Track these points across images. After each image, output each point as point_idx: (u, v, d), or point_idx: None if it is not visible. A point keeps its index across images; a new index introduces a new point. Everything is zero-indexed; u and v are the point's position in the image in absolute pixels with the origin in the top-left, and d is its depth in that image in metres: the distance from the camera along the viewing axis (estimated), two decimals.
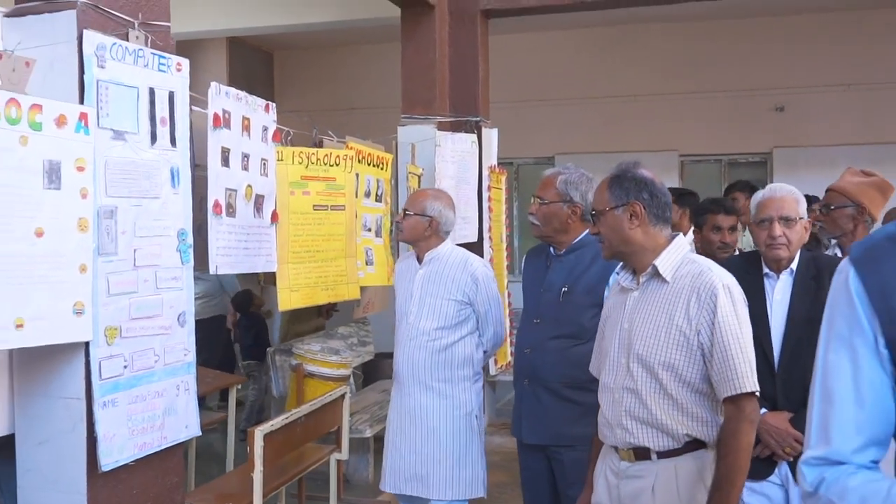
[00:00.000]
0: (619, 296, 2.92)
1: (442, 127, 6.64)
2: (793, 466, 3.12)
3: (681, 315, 2.65)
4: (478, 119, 7.10)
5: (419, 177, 6.23)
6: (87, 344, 3.19)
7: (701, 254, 3.57)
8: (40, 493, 3.28)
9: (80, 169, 3.12)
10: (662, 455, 2.68)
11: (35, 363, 3.22)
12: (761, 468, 3.19)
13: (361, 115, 9.83)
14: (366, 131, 6.27)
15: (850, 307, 1.44)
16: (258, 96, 4.29)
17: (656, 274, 2.74)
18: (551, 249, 3.77)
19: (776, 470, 3.23)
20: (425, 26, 6.88)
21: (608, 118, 10.56)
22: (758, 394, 2.66)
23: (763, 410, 3.15)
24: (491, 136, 7.24)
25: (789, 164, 10.01)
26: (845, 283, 1.45)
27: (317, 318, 7.08)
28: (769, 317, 3.25)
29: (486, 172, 7.06)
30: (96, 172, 3.20)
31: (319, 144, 5.18)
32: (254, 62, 10.99)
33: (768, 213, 3.28)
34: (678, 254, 2.76)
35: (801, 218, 3.29)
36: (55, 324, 3.03)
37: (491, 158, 7.24)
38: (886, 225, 1.49)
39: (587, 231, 3.56)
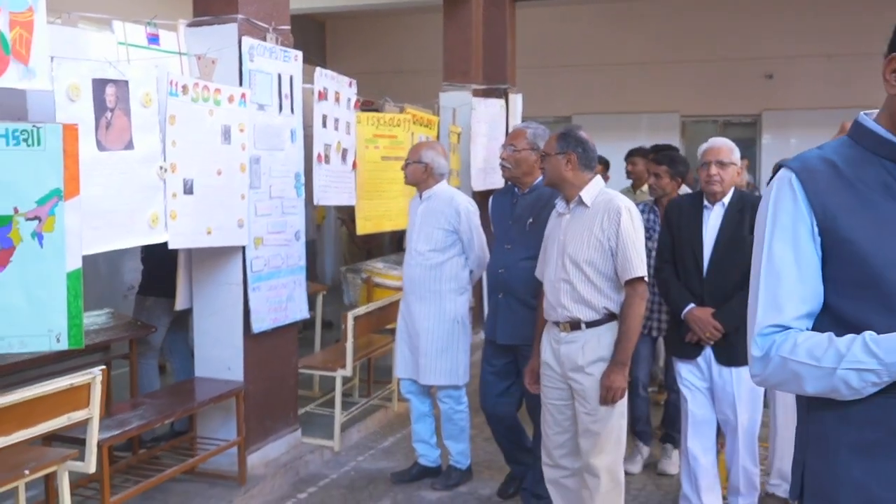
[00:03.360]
0: (556, 219, 3.74)
1: (476, 93, 8.07)
2: (715, 350, 3.92)
3: (598, 228, 3.53)
4: (506, 86, 8.53)
5: (458, 134, 7.71)
6: (244, 247, 4.73)
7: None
8: (211, 349, 4.86)
9: (241, 130, 4.63)
10: (589, 325, 3.57)
11: (208, 259, 4.77)
12: (690, 351, 4.00)
13: (405, 78, 11.10)
14: (409, 92, 7.57)
15: (793, 202, 1.68)
16: (312, 61, 5.61)
17: (581, 202, 3.60)
18: (515, 190, 4.34)
19: (701, 353, 3.98)
20: (464, 8, 8.28)
21: (618, 83, 11.73)
22: (646, 278, 3.54)
23: (691, 305, 3.94)
24: (516, 100, 8.66)
25: (777, 125, 11.16)
26: (789, 184, 1.69)
27: (358, 251, 8.62)
28: (703, 236, 3.98)
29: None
30: (249, 133, 4.71)
31: (367, 104, 6.45)
32: (308, 30, 12.22)
33: (708, 158, 3.98)
34: (596, 188, 3.63)
35: (732, 163, 3.97)
36: (227, 232, 4.57)
37: (516, 119, 8.66)
38: (816, 147, 1.77)
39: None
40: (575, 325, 3.59)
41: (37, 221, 3.27)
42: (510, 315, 4.24)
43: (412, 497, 4.75)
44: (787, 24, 11.33)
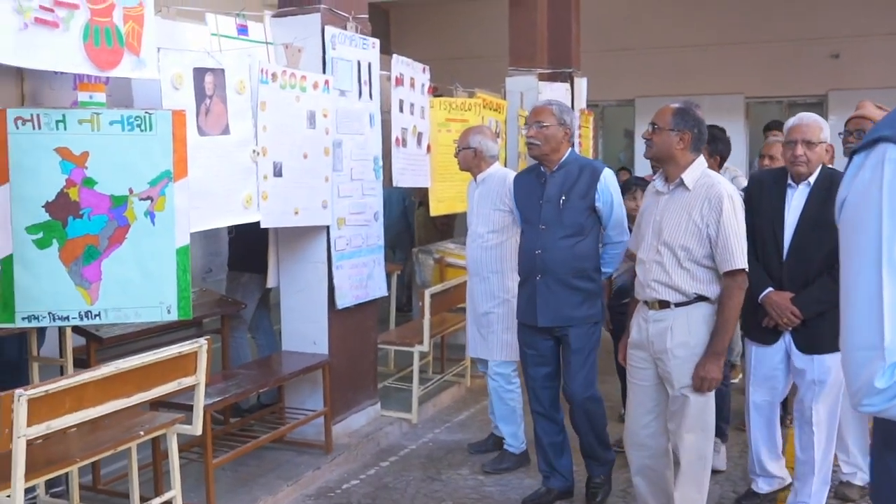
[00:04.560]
0: (653, 197, 3.64)
1: (542, 77, 8.21)
2: (794, 336, 3.79)
3: (697, 213, 3.43)
4: (570, 70, 8.67)
5: (525, 118, 7.85)
6: (328, 227, 4.97)
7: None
8: (297, 324, 5.11)
9: (325, 115, 4.86)
10: (678, 305, 3.49)
11: (294, 239, 5.01)
12: (768, 336, 3.85)
13: (468, 63, 11.21)
14: (473, 78, 7.72)
15: None
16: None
17: (682, 184, 3.48)
18: (542, 169, 4.22)
19: (780, 338, 3.84)
20: None
21: (681, 65, 11.73)
22: (746, 269, 3.43)
23: (770, 289, 3.79)
24: (581, 84, 8.79)
25: (843, 105, 10.96)
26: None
27: (436, 232, 8.83)
28: (784, 217, 3.79)
29: (576, 114, 8.60)
30: (332, 118, 4.93)
31: (431, 90, 6.60)
32: (373, 18, 12.47)
33: (794, 136, 3.76)
34: (698, 170, 3.50)
35: (821, 142, 3.74)
36: (313, 213, 4.80)
37: (581, 102, 8.79)
38: None
39: (570, 151, 4.19)
40: (664, 304, 3.52)
41: (149, 201, 3.53)
42: (550, 297, 4.12)
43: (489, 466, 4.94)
44: (853, 2, 11.20)
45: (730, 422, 4.86)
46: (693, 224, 3.44)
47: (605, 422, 4.37)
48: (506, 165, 6.46)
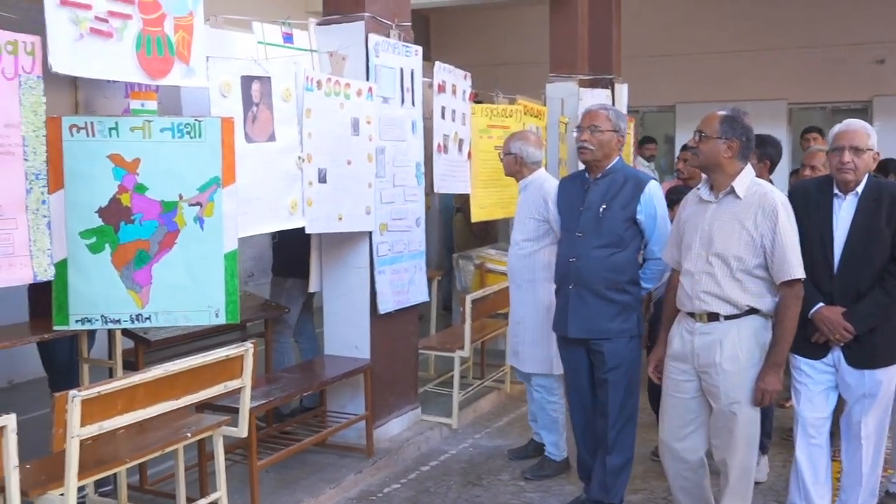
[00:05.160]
0: (698, 206, 3.54)
1: (582, 84, 8.20)
2: (845, 351, 3.61)
3: (751, 223, 3.35)
4: (611, 77, 8.65)
5: (566, 125, 7.86)
6: (370, 233, 5.01)
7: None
8: (339, 328, 5.16)
9: (368, 122, 4.90)
10: (728, 318, 3.41)
11: (337, 244, 5.06)
12: (818, 351, 3.67)
13: (508, 69, 11.19)
14: (513, 84, 7.72)
15: None
16: None
17: (732, 192, 3.41)
18: (586, 175, 4.15)
19: (829, 353, 3.66)
20: (570, 1, 8.39)
21: (723, 70, 11.63)
22: (803, 279, 3.35)
23: (820, 304, 3.60)
24: (622, 90, 8.77)
25: (889, 111, 10.89)
26: None
27: (473, 238, 8.83)
28: (833, 229, 3.63)
29: None
30: (375, 124, 4.98)
31: (470, 96, 6.65)
32: (413, 24, 12.48)
33: (841, 143, 3.60)
34: (748, 178, 3.44)
35: (868, 149, 3.59)
36: (356, 218, 4.85)
37: (621, 108, 8.77)
38: None
39: (617, 160, 4.09)
40: (713, 317, 3.44)
41: (198, 207, 3.60)
42: (582, 307, 4.04)
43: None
44: None
45: (771, 436, 4.80)
46: (746, 233, 3.37)
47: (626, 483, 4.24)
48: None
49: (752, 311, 3.42)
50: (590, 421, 4.24)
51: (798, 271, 3.35)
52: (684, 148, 5.90)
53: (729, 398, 3.43)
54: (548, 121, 7.50)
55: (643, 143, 10.78)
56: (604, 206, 4.01)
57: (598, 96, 8.25)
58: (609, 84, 8.60)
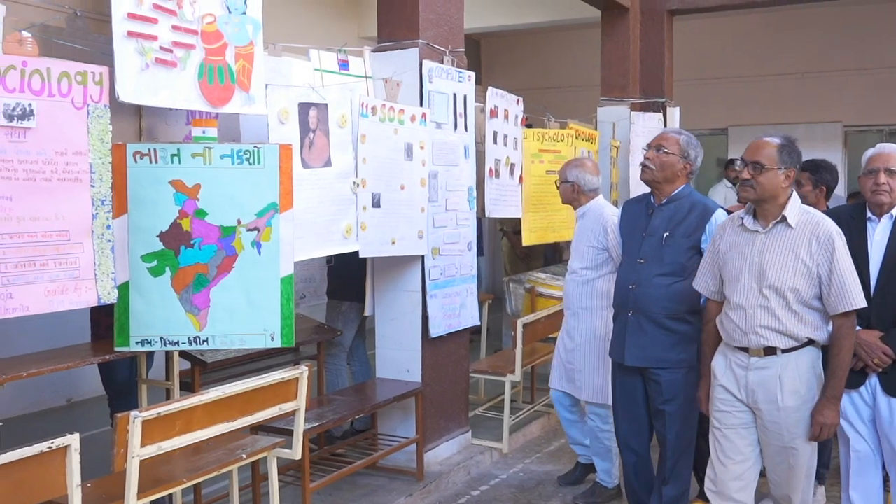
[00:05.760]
0: (742, 235, 3.43)
1: (634, 107, 8.18)
2: (881, 378, 3.53)
3: (805, 252, 3.27)
4: (663, 100, 8.60)
5: (617, 148, 7.85)
6: (422, 257, 5.05)
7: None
8: (391, 351, 5.20)
9: (422, 147, 4.96)
10: (786, 351, 3.34)
11: (390, 268, 5.11)
12: (854, 379, 3.53)
13: (559, 93, 11.28)
14: (564, 107, 7.72)
15: None
16: None
17: (783, 221, 3.32)
18: (651, 199, 4.08)
19: (867, 381, 3.57)
20: (621, 25, 8.40)
21: (776, 93, 11.46)
22: (862, 307, 3.27)
23: (857, 328, 3.45)
24: (674, 113, 8.71)
25: None
26: None
27: (519, 262, 8.83)
28: (868, 253, 3.58)
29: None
30: (428, 149, 5.02)
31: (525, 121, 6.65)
32: (465, 48, 12.62)
33: (875, 165, 3.59)
34: (797, 205, 3.36)
35: None
36: (409, 243, 4.89)
37: None
38: None
39: (684, 186, 4.02)
40: (770, 351, 3.36)
41: (256, 232, 3.66)
42: (640, 335, 3.98)
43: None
44: None
45: (829, 466, 4.70)
46: (802, 264, 3.29)
47: None
48: None
49: (809, 342, 3.36)
50: (642, 455, 4.20)
51: (859, 301, 3.27)
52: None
53: (792, 434, 3.37)
54: (599, 145, 7.48)
55: (727, 165, 10.08)
56: (667, 234, 3.95)
57: (650, 120, 8.22)
58: (661, 107, 8.55)
